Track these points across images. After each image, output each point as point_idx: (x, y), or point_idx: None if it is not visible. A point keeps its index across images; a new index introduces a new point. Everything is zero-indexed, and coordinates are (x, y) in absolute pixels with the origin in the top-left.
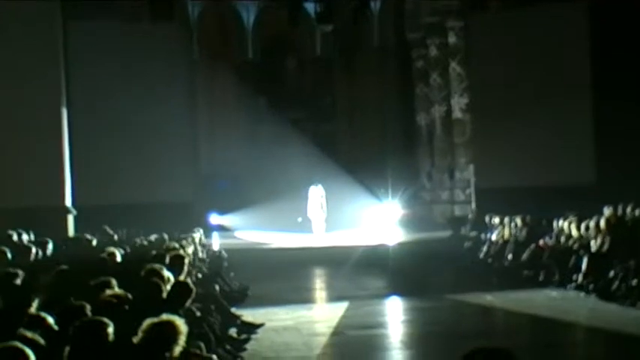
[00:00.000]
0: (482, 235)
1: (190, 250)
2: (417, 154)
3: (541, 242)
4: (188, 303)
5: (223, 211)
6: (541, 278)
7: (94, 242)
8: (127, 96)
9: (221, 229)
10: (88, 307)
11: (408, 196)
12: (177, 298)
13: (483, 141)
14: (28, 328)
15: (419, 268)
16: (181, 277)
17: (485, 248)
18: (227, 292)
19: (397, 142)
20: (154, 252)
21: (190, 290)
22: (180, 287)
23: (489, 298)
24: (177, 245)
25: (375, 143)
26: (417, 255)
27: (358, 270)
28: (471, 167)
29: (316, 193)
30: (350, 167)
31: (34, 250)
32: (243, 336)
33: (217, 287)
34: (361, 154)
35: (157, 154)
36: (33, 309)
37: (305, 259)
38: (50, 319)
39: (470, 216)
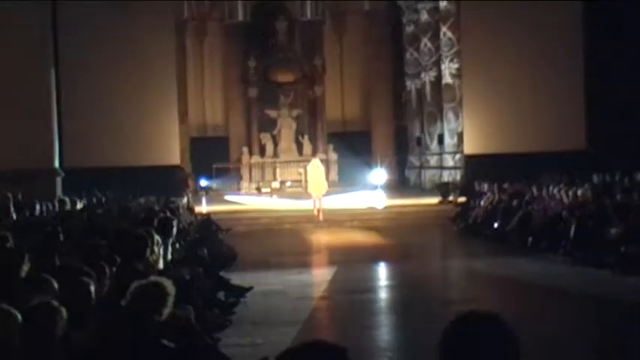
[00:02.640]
0: (471, 201)
1: (179, 213)
2: (406, 119)
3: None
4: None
5: (212, 174)
6: (529, 245)
7: (79, 205)
8: (115, 56)
9: (210, 192)
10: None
11: (396, 161)
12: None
13: (473, 107)
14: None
15: (407, 233)
16: (170, 240)
17: (473, 214)
18: (215, 256)
19: (387, 106)
20: (142, 215)
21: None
22: None
23: (478, 265)
24: (165, 208)
25: (364, 107)
26: (405, 219)
27: (346, 232)
28: (461, 133)
29: (316, 166)
30: (339, 131)
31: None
32: (232, 300)
33: (205, 251)
34: (350, 118)
35: (143, 115)
36: (24, 270)
37: (295, 222)
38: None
39: (459, 182)
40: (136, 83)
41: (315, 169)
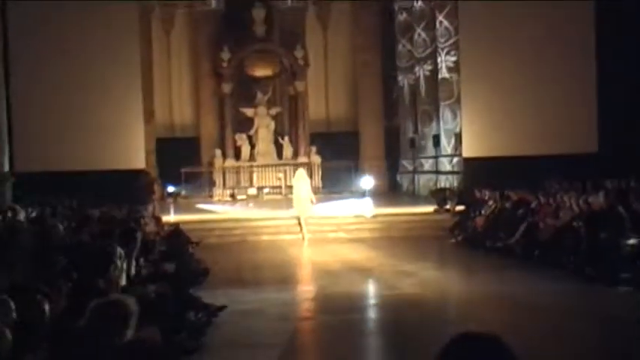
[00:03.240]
0: (471, 210)
1: (144, 223)
2: (398, 118)
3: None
4: None
5: (181, 180)
6: (536, 258)
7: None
8: (71, 49)
9: (179, 199)
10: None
11: (387, 165)
12: None
13: (473, 105)
14: None
15: (398, 246)
16: (134, 254)
17: (473, 224)
18: (185, 272)
19: (376, 104)
20: (103, 225)
21: None
22: None
23: (478, 281)
24: (129, 218)
25: (351, 105)
26: (396, 230)
27: (330, 245)
28: (459, 133)
29: (301, 179)
30: (322, 131)
31: None
32: (203, 320)
33: (173, 266)
34: (335, 117)
35: (104, 114)
36: None
37: (273, 234)
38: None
39: (457, 188)
40: (96, 78)
41: (301, 181)
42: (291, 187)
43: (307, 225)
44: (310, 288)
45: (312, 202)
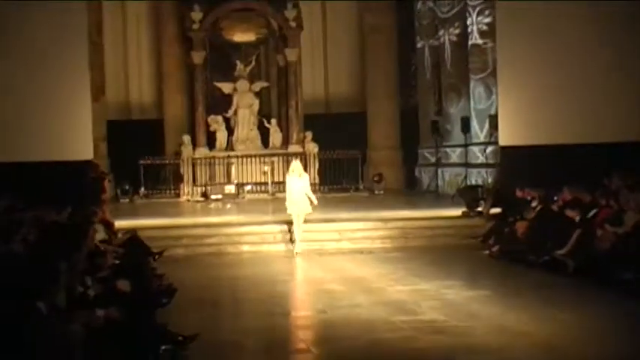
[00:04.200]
0: (510, 214)
1: (91, 230)
2: (416, 95)
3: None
4: None
5: (139, 174)
6: (595, 275)
7: None
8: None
9: (136, 199)
10: None
11: (402, 156)
12: None
13: (513, 79)
14: None
15: (417, 260)
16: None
17: (512, 231)
18: (144, 291)
19: (389, 78)
20: (39, 232)
21: None
22: None
23: (517, 306)
24: (72, 223)
25: (356, 80)
26: (415, 239)
27: (329, 258)
28: (494, 116)
29: (296, 174)
30: (320, 112)
31: None
32: (168, 353)
33: (129, 284)
34: (337, 94)
35: (39, 91)
36: None
37: (256, 243)
38: None
39: (492, 185)
40: (27, 45)
41: (296, 177)
42: (279, 183)
43: (303, 228)
44: (304, 313)
45: (311, 203)
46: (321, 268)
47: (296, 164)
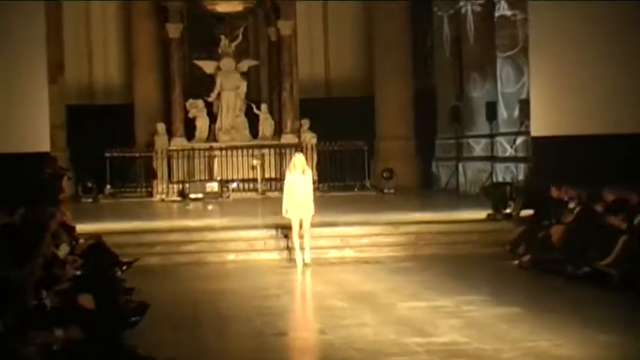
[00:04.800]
0: (544, 217)
1: (48, 235)
2: (433, 77)
3: None
4: None
5: (105, 169)
6: None
7: None
8: None
9: (102, 198)
10: None
11: (416, 147)
12: None
13: (548, 57)
14: None
15: (434, 271)
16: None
17: (547, 238)
18: (110, 307)
19: (400, 56)
20: None
21: None
22: None
23: (552, 326)
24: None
25: (362, 58)
26: (431, 246)
27: (328, 270)
28: (526, 100)
29: (300, 170)
30: (319, 97)
31: None
32: None
33: (93, 300)
34: (339, 76)
35: None
36: None
37: (244, 251)
38: None
39: (522, 183)
40: None
41: (300, 174)
42: (271, 180)
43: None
44: (300, 333)
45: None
46: (320, 281)
47: (299, 158)
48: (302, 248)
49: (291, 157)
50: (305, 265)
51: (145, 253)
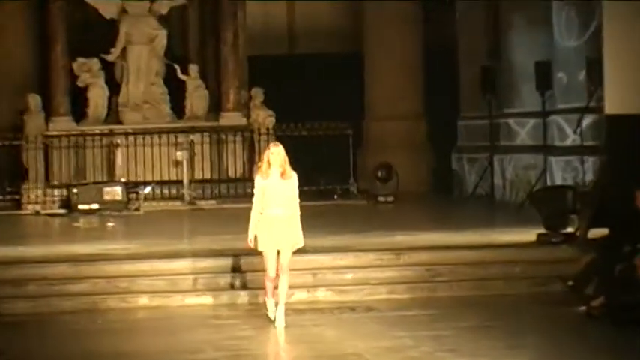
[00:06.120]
0: (624, 239)
1: None
2: (453, 22)
3: None
4: None
5: None
6: None
7: None
8: None
9: None
10: None
11: (428, 134)
12: None
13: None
14: None
15: (456, 319)
16: None
17: (630, 271)
18: None
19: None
20: None
21: None
22: None
23: None
24: None
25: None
26: (452, 286)
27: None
28: (596, 61)
29: (278, 171)
30: (282, 53)
31: None
32: None
33: None
34: (308, 20)
35: None
36: None
37: (162, 293)
38: None
39: (592, 186)
40: None
41: (276, 176)
42: (207, 182)
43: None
44: None
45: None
46: (285, 339)
47: (276, 153)
48: (276, 302)
49: (260, 151)
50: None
51: (10, 295)
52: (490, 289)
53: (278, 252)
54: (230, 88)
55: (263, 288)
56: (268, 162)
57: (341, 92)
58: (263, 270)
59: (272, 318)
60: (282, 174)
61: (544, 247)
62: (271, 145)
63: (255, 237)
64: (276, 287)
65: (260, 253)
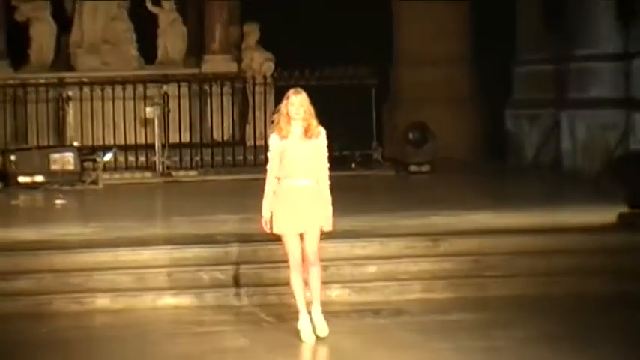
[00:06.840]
0: None
1: None
2: None
3: None
4: None
5: None
6: None
7: None
8: None
9: None
10: None
11: (474, 87)
12: None
13: None
14: None
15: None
16: None
17: None
18: None
19: None
20: None
21: None
22: None
23: None
24: None
25: None
26: (508, 282)
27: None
28: None
29: (298, 132)
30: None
31: None
32: None
33: None
34: None
35: None
36: None
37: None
38: None
39: None
40: None
41: (298, 136)
42: (186, 147)
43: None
44: None
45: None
46: (282, 351)
47: (297, 102)
48: (308, 302)
49: (255, 107)
50: (318, 338)
51: None
52: (557, 287)
53: (301, 236)
54: (216, 24)
55: (264, 285)
56: (287, 115)
57: (361, 29)
58: (261, 262)
59: (307, 337)
60: (307, 131)
61: (628, 231)
62: (291, 92)
63: (271, 216)
64: (305, 281)
65: (278, 238)
